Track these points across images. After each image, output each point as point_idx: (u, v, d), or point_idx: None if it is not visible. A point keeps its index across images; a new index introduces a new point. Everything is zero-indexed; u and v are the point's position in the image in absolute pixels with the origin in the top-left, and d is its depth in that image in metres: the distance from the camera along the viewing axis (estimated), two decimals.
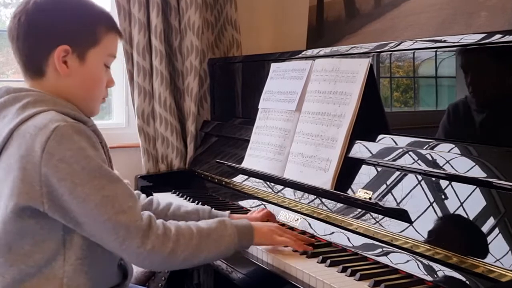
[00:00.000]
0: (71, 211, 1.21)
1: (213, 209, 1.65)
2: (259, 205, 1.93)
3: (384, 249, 1.41)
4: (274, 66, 2.12)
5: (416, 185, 1.43)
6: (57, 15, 1.31)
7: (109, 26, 1.38)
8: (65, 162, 1.18)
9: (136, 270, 1.73)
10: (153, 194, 2.34)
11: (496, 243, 1.18)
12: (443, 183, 1.36)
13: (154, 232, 1.24)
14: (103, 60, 1.37)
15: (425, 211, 1.36)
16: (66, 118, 1.24)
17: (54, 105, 1.28)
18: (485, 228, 1.21)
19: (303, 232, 1.64)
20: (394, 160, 1.49)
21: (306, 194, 1.76)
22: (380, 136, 1.60)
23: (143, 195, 1.68)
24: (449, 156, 1.36)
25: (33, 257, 1.24)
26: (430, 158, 1.40)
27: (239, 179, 2.14)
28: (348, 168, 1.64)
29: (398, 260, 1.35)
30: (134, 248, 1.22)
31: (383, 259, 1.38)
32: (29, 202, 1.20)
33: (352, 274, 1.31)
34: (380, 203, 1.46)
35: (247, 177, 2.10)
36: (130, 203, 1.24)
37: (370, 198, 1.51)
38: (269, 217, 1.70)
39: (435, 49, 1.50)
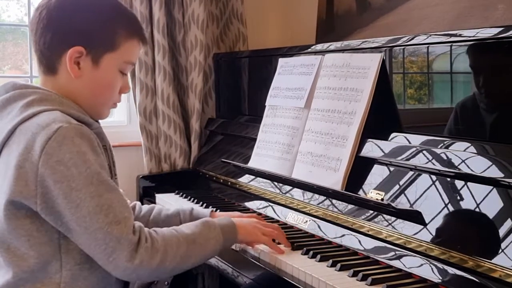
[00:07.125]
0: (63, 216, 1.20)
1: (194, 209, 1.64)
2: (266, 206, 1.93)
3: (397, 252, 1.40)
4: (282, 61, 2.10)
5: (431, 185, 1.41)
6: (77, 14, 1.32)
7: (131, 32, 1.37)
8: (63, 164, 1.18)
9: None
10: (156, 195, 2.38)
11: None
12: (459, 183, 1.34)
13: (143, 245, 1.23)
14: (118, 66, 1.36)
15: (439, 212, 1.35)
16: (70, 120, 1.24)
17: (60, 105, 1.28)
18: (502, 231, 1.19)
19: (312, 235, 1.64)
20: (408, 160, 1.48)
21: (316, 195, 1.75)
22: (392, 135, 1.59)
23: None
24: (464, 155, 1.34)
25: (28, 261, 1.23)
26: (445, 157, 1.38)
27: (245, 179, 2.13)
28: (359, 167, 1.62)
29: (412, 264, 1.34)
30: (122, 262, 1.21)
31: (395, 263, 1.38)
32: (21, 199, 1.20)
33: (364, 278, 1.30)
34: (393, 204, 1.44)
35: (253, 177, 2.09)
36: (126, 213, 1.23)
37: (382, 199, 1.50)
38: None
39: (450, 44, 1.49)
